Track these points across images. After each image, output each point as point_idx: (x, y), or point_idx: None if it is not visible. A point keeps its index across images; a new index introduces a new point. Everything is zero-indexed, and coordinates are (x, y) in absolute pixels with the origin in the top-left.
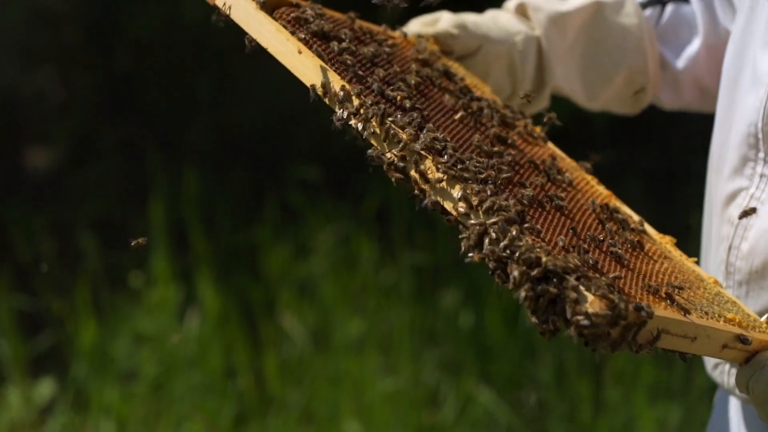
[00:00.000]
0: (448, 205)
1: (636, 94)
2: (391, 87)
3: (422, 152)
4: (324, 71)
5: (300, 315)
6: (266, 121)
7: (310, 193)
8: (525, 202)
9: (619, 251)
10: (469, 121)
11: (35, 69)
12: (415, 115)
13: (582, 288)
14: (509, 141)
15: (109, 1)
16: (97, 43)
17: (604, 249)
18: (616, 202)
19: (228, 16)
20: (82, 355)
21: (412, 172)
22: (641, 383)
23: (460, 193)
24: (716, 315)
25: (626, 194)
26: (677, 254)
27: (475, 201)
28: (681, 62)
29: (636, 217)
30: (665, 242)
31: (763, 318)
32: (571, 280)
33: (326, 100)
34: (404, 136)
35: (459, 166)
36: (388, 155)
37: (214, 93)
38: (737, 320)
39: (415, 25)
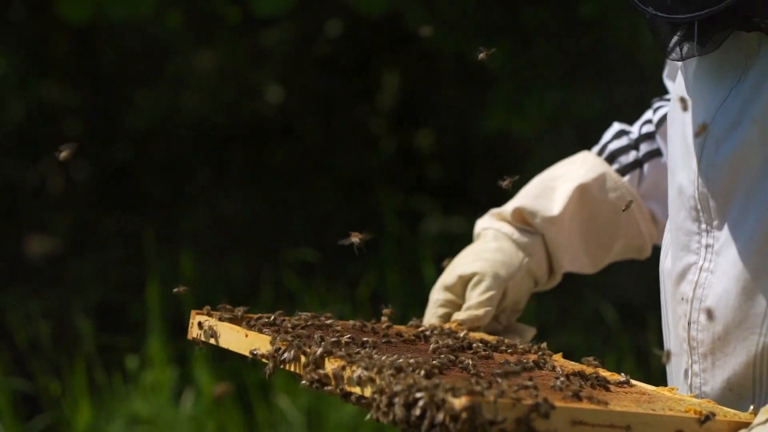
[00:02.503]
0: (358, 390)
1: (637, 251)
2: (337, 335)
3: (322, 351)
4: (263, 340)
5: (295, 397)
6: (262, 207)
7: (305, 275)
8: (436, 370)
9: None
10: (442, 349)
11: (36, 160)
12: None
13: (447, 395)
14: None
15: (108, 94)
16: (96, 135)
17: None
18: (605, 373)
19: (204, 342)
20: None
21: (327, 379)
22: None
23: (358, 372)
24: (666, 410)
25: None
26: (670, 394)
27: (372, 373)
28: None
29: (622, 377)
30: (663, 390)
31: (749, 410)
32: (438, 393)
33: (264, 360)
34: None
35: (360, 356)
36: (307, 375)
37: (211, 181)
38: (692, 410)
39: (434, 319)
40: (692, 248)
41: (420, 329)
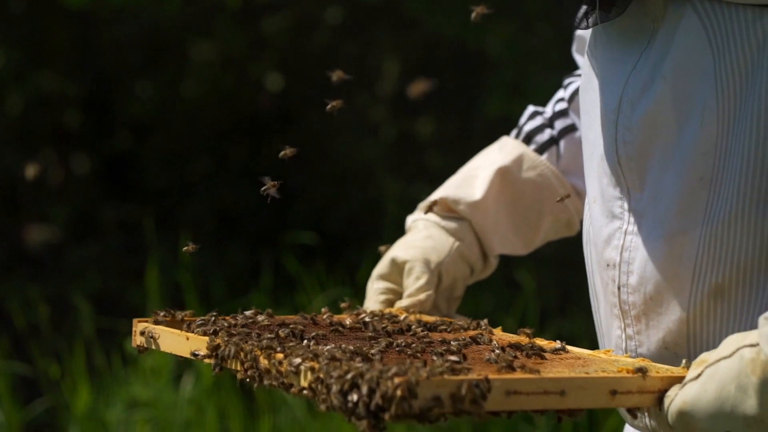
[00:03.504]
0: (297, 381)
1: (566, 225)
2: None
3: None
4: (202, 341)
5: None
6: (262, 195)
7: (305, 260)
8: (375, 353)
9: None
10: (380, 333)
11: (35, 151)
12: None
13: (381, 377)
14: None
15: (107, 84)
16: (95, 125)
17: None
18: (541, 342)
19: (146, 349)
20: (77, 420)
21: (266, 373)
22: None
23: (295, 362)
24: (599, 371)
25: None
26: (606, 356)
27: (309, 363)
28: None
29: (558, 344)
30: (599, 353)
31: (681, 364)
32: (372, 376)
33: (207, 360)
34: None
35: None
36: (245, 372)
37: (211, 169)
38: (625, 369)
39: (376, 305)
40: (616, 213)
41: (360, 316)
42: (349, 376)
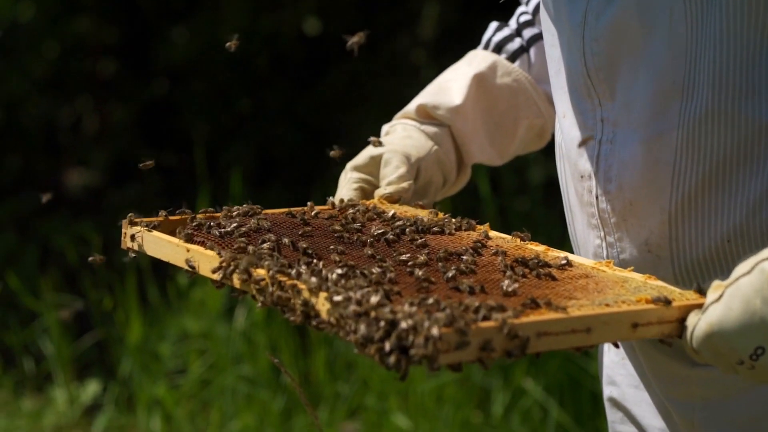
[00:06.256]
0: (322, 314)
1: (538, 134)
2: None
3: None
4: (207, 256)
5: None
6: (303, 137)
7: None
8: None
9: (508, 288)
10: (381, 246)
11: (72, 97)
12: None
13: (428, 326)
14: (426, 245)
15: (144, 29)
16: (133, 71)
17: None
18: (539, 250)
19: (138, 253)
20: (129, 352)
21: (272, 290)
22: None
23: (327, 305)
24: (620, 303)
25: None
26: (611, 271)
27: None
28: None
29: (561, 254)
30: (601, 265)
31: (693, 287)
32: (421, 326)
33: (213, 276)
34: (261, 271)
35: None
36: (260, 297)
37: (250, 113)
38: (644, 299)
39: (350, 193)
40: (588, 125)
41: (348, 212)
42: (381, 323)
